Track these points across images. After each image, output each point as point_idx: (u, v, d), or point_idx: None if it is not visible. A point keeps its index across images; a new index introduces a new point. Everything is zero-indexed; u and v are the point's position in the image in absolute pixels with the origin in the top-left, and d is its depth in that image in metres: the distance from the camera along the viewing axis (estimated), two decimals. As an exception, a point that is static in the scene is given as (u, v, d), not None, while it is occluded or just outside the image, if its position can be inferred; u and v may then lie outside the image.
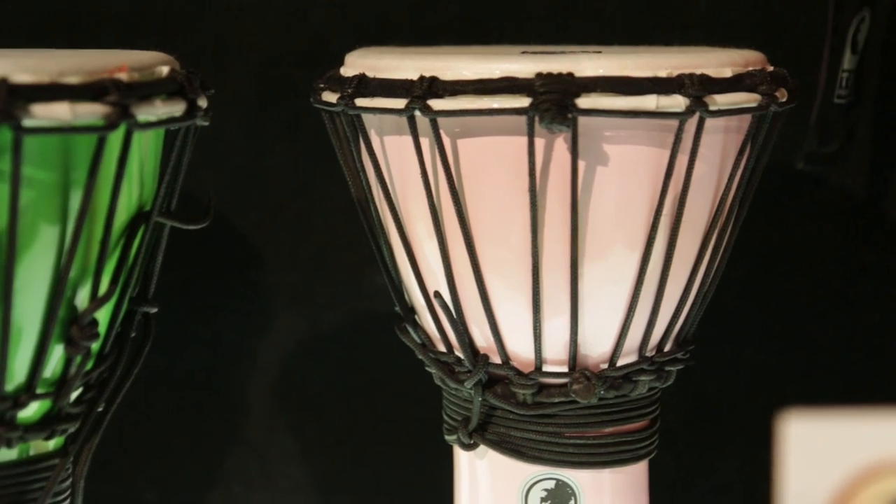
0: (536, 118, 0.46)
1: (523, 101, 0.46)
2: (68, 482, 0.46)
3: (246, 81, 0.68)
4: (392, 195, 0.50)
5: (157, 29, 0.69)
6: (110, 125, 0.41)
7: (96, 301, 0.43)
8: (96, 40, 0.68)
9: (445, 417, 0.53)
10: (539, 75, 0.46)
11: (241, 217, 0.70)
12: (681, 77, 0.46)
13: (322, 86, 0.52)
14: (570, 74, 0.46)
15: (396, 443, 0.71)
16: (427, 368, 0.53)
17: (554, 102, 0.45)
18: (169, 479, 0.72)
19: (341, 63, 0.52)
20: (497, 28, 0.67)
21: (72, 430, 0.45)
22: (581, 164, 0.47)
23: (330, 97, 0.50)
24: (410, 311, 0.53)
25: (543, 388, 0.50)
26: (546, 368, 0.50)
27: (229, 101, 0.67)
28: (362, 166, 0.52)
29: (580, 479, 0.51)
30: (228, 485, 0.72)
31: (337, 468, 0.71)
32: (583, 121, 0.46)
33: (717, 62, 0.47)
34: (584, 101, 0.46)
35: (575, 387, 0.49)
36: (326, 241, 0.71)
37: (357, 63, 0.50)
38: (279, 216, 0.70)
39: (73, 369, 0.44)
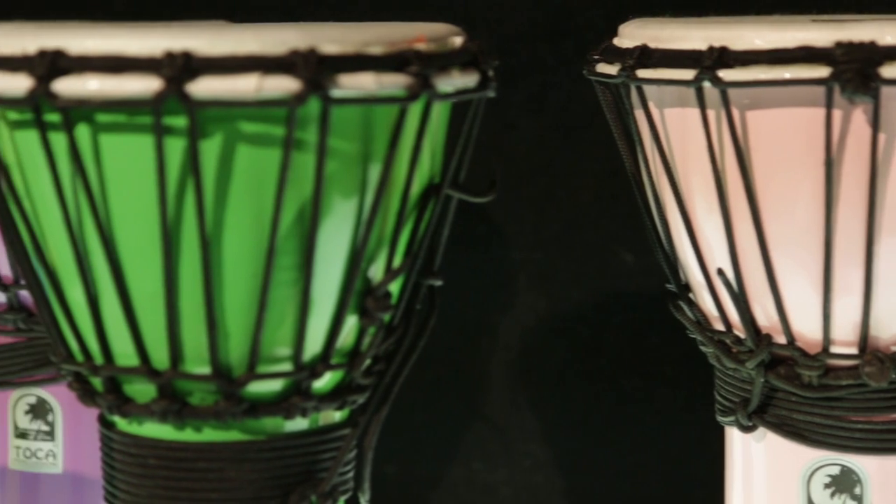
0: (835, 89, 0.44)
1: (821, 71, 0.44)
2: (353, 453, 0.46)
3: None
4: (672, 169, 0.49)
5: (402, 3, 0.69)
6: (412, 96, 0.41)
7: (391, 273, 0.43)
8: (349, 16, 0.68)
9: (719, 398, 0.52)
10: (839, 44, 0.44)
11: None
12: None
13: (597, 57, 0.51)
14: (872, 43, 0.44)
15: (640, 423, 0.70)
16: (701, 347, 0.52)
17: (856, 72, 0.43)
18: (410, 454, 0.72)
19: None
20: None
21: (360, 401, 0.45)
22: (881, 137, 0.45)
23: (607, 69, 0.49)
24: (685, 287, 0.52)
25: (830, 370, 0.48)
26: (833, 350, 0.48)
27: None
28: (640, 139, 0.51)
29: (866, 465, 0.49)
30: (469, 461, 0.72)
31: (579, 448, 0.71)
32: (883, 91, 0.44)
33: None
34: (887, 71, 0.44)
35: (867, 369, 0.47)
36: (571, 218, 0.70)
37: (636, 34, 0.49)
38: (523, 192, 0.70)
39: (365, 341, 0.44)
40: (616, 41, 0.51)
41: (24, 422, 0.59)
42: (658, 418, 0.69)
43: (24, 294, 0.58)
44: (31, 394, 0.59)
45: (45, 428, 0.58)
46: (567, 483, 0.71)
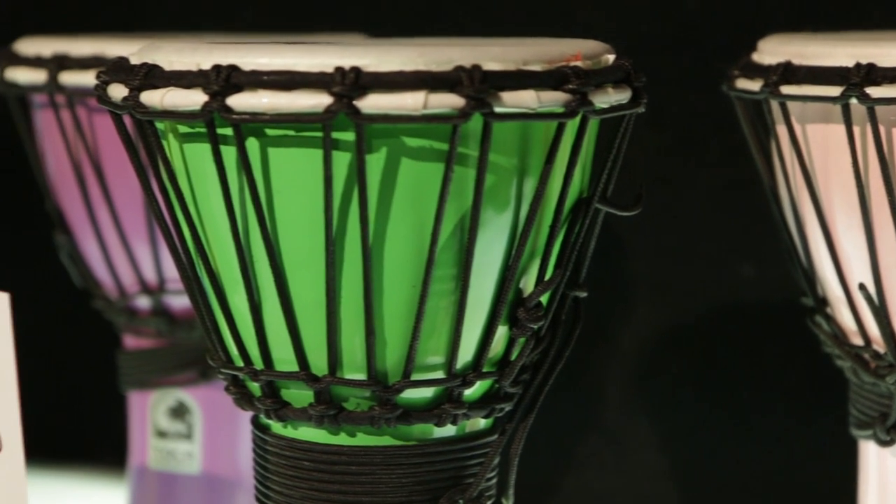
0: None
1: (972, 89, 0.45)
2: (497, 460, 0.47)
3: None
4: (813, 184, 0.50)
5: (520, 11, 0.70)
6: (571, 112, 0.42)
7: (544, 284, 0.44)
8: (466, 31, 0.69)
9: (854, 412, 0.52)
10: None
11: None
12: None
13: (737, 73, 0.51)
14: None
15: (756, 435, 0.70)
16: (837, 362, 0.52)
17: None
18: (525, 461, 0.72)
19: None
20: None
21: (507, 409, 0.46)
22: None
23: (748, 84, 0.50)
24: (822, 302, 0.52)
25: (971, 386, 0.48)
26: (975, 366, 0.48)
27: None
28: (780, 154, 0.51)
29: None
30: (581, 470, 0.72)
31: (694, 458, 0.71)
32: None
33: None
34: None
35: None
36: (689, 230, 0.70)
37: (778, 50, 0.50)
38: (642, 204, 0.70)
39: (515, 350, 0.45)
40: (756, 57, 0.51)
41: (164, 422, 0.61)
42: (775, 430, 0.70)
43: (168, 299, 0.59)
44: (171, 396, 0.60)
45: (184, 429, 0.60)
46: (681, 494, 0.71)
